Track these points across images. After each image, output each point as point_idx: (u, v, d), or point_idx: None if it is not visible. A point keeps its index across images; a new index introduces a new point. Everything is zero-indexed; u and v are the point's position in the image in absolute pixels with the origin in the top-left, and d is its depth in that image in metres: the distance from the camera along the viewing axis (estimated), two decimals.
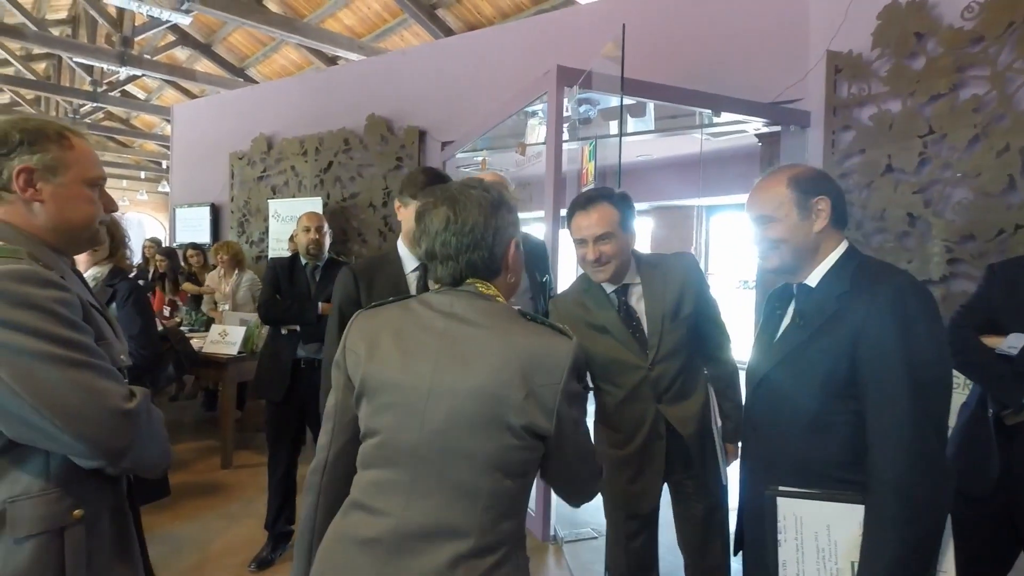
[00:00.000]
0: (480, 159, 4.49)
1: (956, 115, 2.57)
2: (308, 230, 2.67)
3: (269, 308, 2.60)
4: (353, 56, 7.95)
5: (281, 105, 5.59)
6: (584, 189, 1.82)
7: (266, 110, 5.67)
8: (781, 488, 1.13)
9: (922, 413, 1.03)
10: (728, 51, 3.55)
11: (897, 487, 1.01)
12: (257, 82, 10.00)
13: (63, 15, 9.62)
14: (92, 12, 7.92)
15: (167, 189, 17.37)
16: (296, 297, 2.59)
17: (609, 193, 1.63)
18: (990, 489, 1.50)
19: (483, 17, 7.56)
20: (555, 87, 2.82)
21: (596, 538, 2.98)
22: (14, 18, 8.57)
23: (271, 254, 5.16)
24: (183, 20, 7.07)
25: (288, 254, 3.19)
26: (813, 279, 1.20)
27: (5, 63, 10.31)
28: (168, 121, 12.77)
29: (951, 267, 2.57)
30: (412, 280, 1.68)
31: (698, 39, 3.66)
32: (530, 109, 3.75)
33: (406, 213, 1.64)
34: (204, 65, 9.95)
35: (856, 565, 1.07)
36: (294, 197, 5.21)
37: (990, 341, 1.54)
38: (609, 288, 1.67)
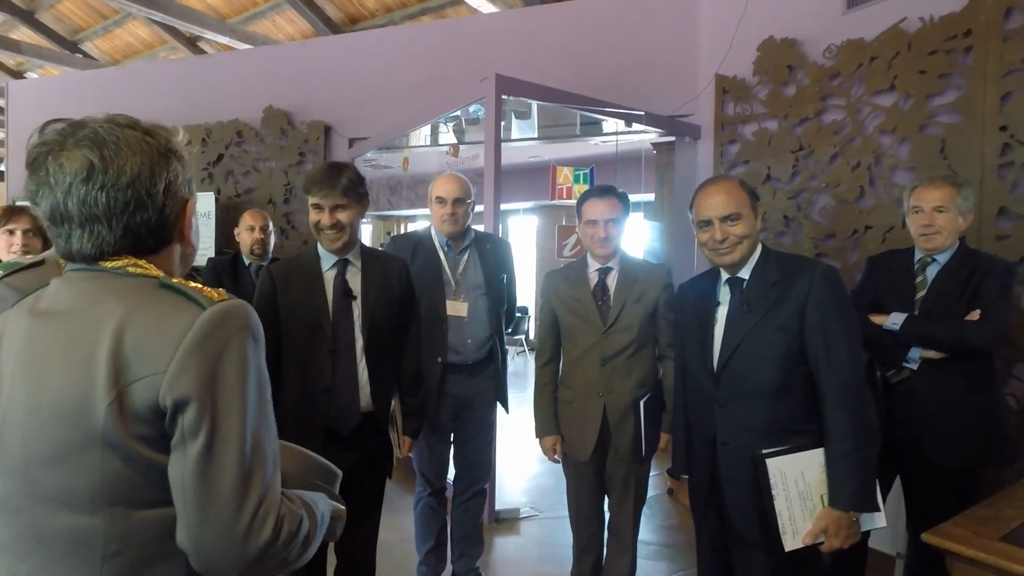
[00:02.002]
0: (403, 157, 4.49)
1: (820, 136, 3.16)
2: (252, 229, 2.57)
3: None
4: (221, 38, 7.37)
5: (155, 90, 5.06)
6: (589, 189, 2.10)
7: (136, 95, 5.10)
8: (765, 451, 1.39)
9: (857, 366, 1.38)
10: (629, 69, 3.95)
11: (851, 426, 1.34)
12: (94, 59, 8.83)
13: None
14: None
15: None
16: (241, 299, 2.48)
17: (619, 191, 2.00)
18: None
19: (365, 10, 7.41)
20: (493, 93, 2.97)
21: (536, 516, 3.21)
22: None
23: None
24: None
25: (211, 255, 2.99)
26: (746, 272, 1.49)
27: None
28: None
29: (818, 260, 3.16)
30: (329, 278, 1.73)
31: (601, 55, 4.02)
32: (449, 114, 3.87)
33: (311, 209, 1.71)
34: (23, 34, 8.56)
35: (824, 497, 1.37)
36: None
37: (876, 319, 1.97)
38: (594, 266, 1.99)
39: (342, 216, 1.67)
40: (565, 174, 3.70)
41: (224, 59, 5.16)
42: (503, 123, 4.70)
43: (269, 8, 7.54)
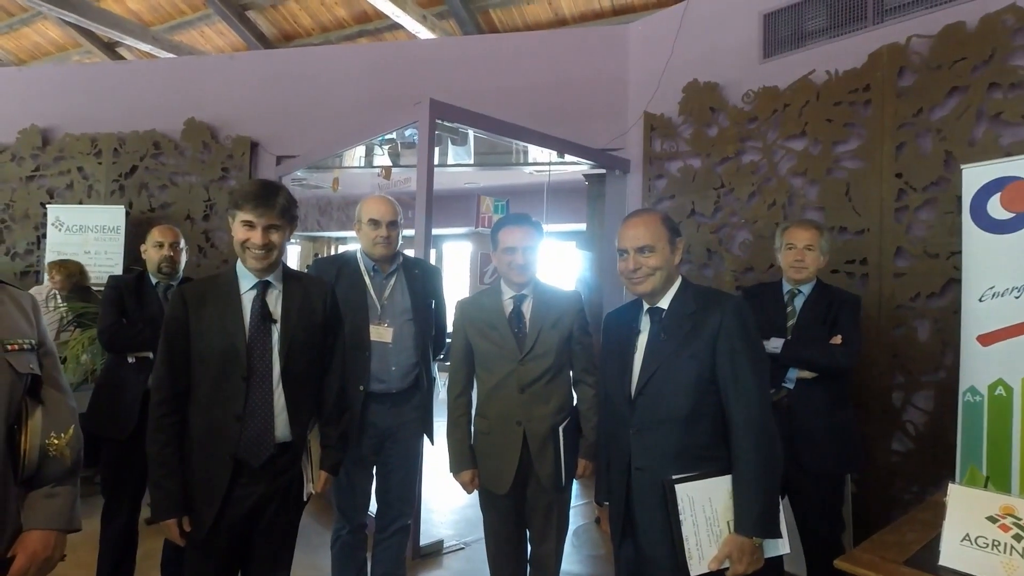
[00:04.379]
0: (334, 177, 4.36)
1: (740, 174, 3.34)
2: (161, 245, 2.39)
3: (115, 333, 2.25)
4: (143, 46, 7.01)
5: (63, 94, 4.72)
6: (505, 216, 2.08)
7: (40, 97, 4.74)
8: (675, 476, 1.42)
9: (764, 396, 1.43)
10: (563, 101, 4.06)
11: (756, 454, 1.38)
12: None
13: None
14: None
15: None
16: (147, 320, 2.29)
17: (533, 220, 2.01)
18: None
19: (300, 27, 7.28)
20: (427, 117, 2.96)
21: (462, 548, 3.11)
22: None
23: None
24: None
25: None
26: (665, 302, 1.54)
27: None
28: None
29: (737, 292, 3.31)
30: (247, 300, 1.64)
31: (536, 88, 4.11)
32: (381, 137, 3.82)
33: (233, 227, 1.63)
34: None
35: (731, 523, 1.40)
36: (82, 203, 4.43)
37: None
38: (509, 293, 2.00)
39: (274, 237, 1.58)
40: (487, 204, 3.72)
41: (143, 67, 4.89)
42: (438, 148, 4.71)
43: (197, 18, 7.26)
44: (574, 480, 2.02)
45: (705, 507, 1.40)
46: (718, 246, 3.41)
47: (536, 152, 4.85)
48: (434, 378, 2.34)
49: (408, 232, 2.76)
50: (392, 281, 2.23)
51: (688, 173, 3.55)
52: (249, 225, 1.57)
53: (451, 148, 5.16)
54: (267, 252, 1.59)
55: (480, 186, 6.93)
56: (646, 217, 1.53)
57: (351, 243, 8.74)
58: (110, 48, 7.89)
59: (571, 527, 3.24)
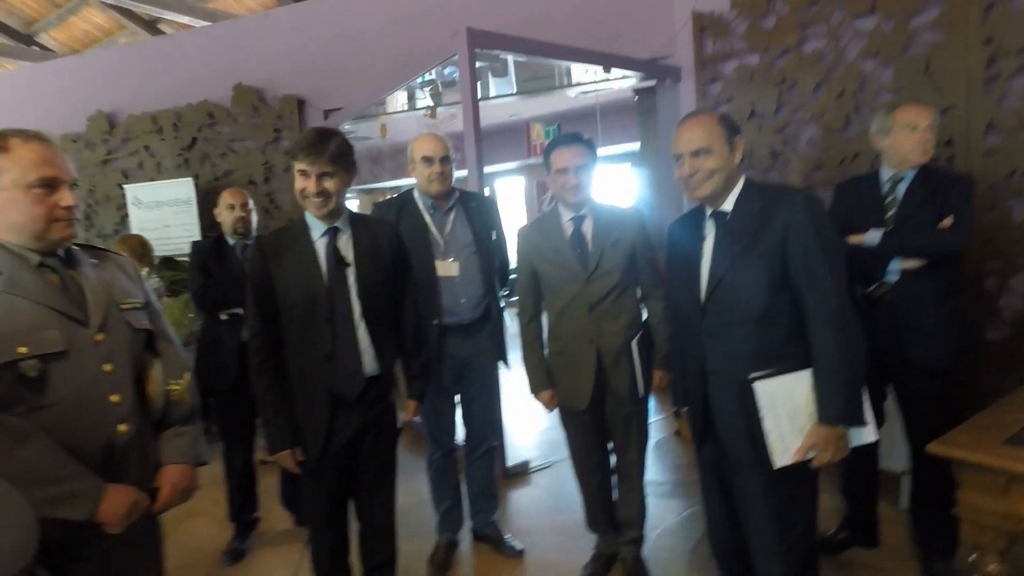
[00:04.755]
0: (380, 124, 4.39)
1: (803, 66, 3.10)
2: (232, 208, 2.52)
3: (205, 294, 2.43)
4: (181, 19, 7.11)
5: (119, 78, 4.90)
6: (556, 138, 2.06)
7: (100, 84, 4.94)
8: (752, 375, 1.42)
9: (839, 287, 1.39)
10: (605, 13, 3.84)
11: (836, 343, 1.36)
12: (52, 50, 8.51)
13: None
14: None
15: None
16: (231, 280, 2.45)
17: (584, 138, 1.99)
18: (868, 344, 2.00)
19: None
20: (465, 48, 2.89)
21: (547, 466, 3.27)
22: None
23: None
24: None
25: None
26: (728, 204, 1.50)
27: None
28: None
29: (808, 190, 3.15)
30: (320, 247, 1.70)
31: (575, 3, 3.90)
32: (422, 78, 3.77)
33: (296, 175, 1.66)
34: None
35: (813, 415, 1.40)
36: (154, 180, 4.68)
37: (853, 239, 2.02)
38: (568, 215, 2.00)
39: (328, 184, 1.63)
40: (538, 130, 3.64)
41: (186, 38, 4.98)
42: (480, 82, 4.62)
43: None
44: (650, 393, 2.06)
45: (786, 402, 1.40)
46: (783, 147, 3.23)
47: (580, 73, 4.67)
48: (502, 307, 2.40)
49: (460, 173, 2.78)
50: (451, 216, 2.27)
51: (745, 72, 3.33)
52: (304, 174, 1.62)
53: (492, 81, 5.05)
54: (324, 199, 1.64)
55: (526, 116, 6.78)
56: (700, 118, 1.48)
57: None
58: (151, 26, 8.04)
59: (651, 441, 3.35)
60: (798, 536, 1.45)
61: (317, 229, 1.70)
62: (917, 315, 1.93)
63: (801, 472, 1.41)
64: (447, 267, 2.21)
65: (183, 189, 4.47)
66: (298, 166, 1.62)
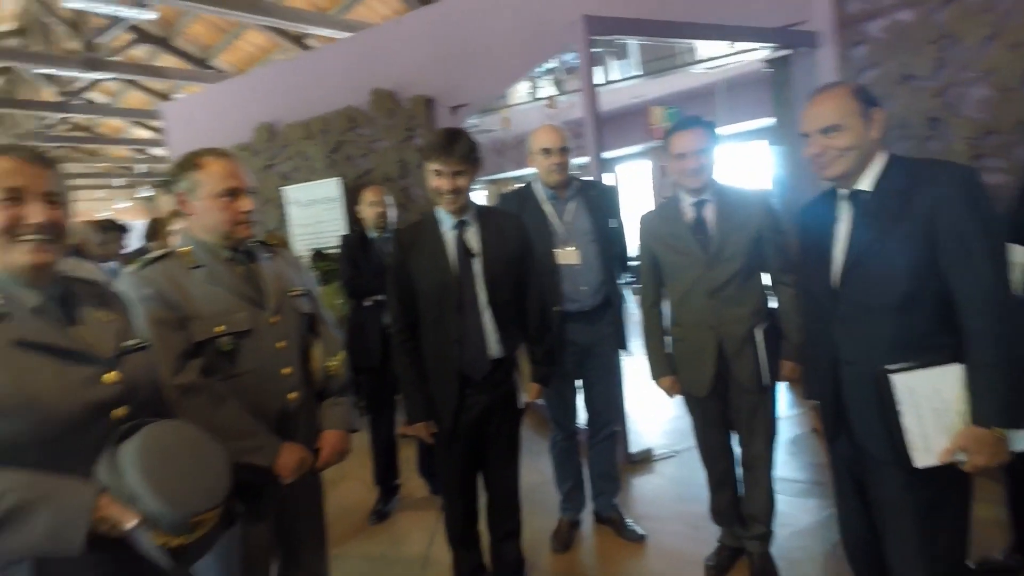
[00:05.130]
0: (503, 117, 4.55)
1: (967, 18, 2.73)
2: (373, 204, 2.78)
3: (354, 283, 2.73)
4: (324, 32, 7.81)
5: (277, 91, 5.53)
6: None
7: (261, 98, 5.61)
8: (890, 367, 1.31)
9: (1000, 272, 1.24)
10: None
11: (995, 336, 1.22)
12: (224, 71, 9.75)
13: (13, 25, 9.19)
14: (48, 19, 7.61)
15: (148, 193, 16.97)
16: (374, 270, 2.71)
17: (703, 120, 1.95)
18: None
19: None
20: (583, 37, 2.90)
21: (672, 456, 3.24)
22: None
23: (297, 240, 5.20)
24: (147, 16, 6.86)
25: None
26: (866, 183, 1.37)
27: None
28: (140, 123, 12.39)
29: (977, 162, 2.77)
30: (450, 238, 1.83)
31: None
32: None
33: (427, 175, 1.80)
34: (165, 60, 9.66)
35: (964, 414, 1.26)
36: (307, 181, 5.23)
37: None
38: (689, 200, 1.97)
39: (461, 181, 1.77)
40: (658, 114, 3.54)
41: (328, 50, 5.49)
42: (601, 66, 4.59)
43: None
44: (780, 384, 1.98)
45: (931, 398, 1.29)
46: (944, 111, 2.87)
47: (706, 48, 4.46)
48: (622, 294, 2.42)
49: (580, 160, 2.81)
50: (571, 205, 2.33)
51: (896, 30, 2.99)
52: (438, 173, 1.76)
53: (614, 64, 4.99)
54: (456, 196, 1.78)
55: (649, 98, 6.60)
56: (829, 92, 1.39)
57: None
58: (299, 41, 8.93)
59: (788, 436, 3.18)
60: (944, 547, 1.33)
61: (447, 222, 1.85)
62: None
63: (949, 476, 1.29)
64: (567, 255, 2.28)
65: (331, 188, 4.95)
66: (432, 166, 1.76)
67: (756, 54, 3.98)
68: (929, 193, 1.27)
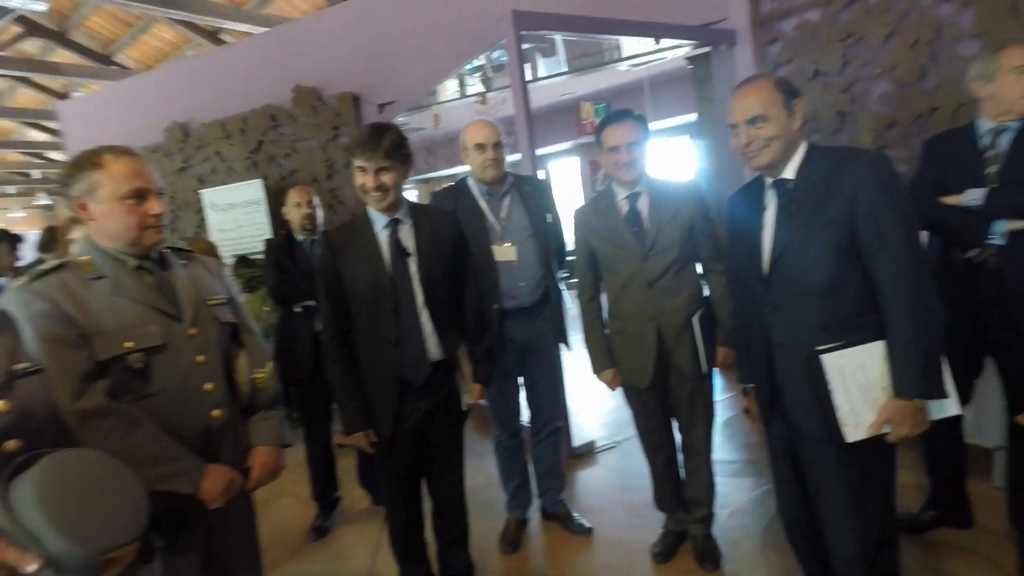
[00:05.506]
0: (433, 114, 4.47)
1: (869, 18, 2.91)
2: (299, 205, 2.64)
3: (281, 287, 2.58)
4: (240, 27, 7.43)
5: (188, 89, 5.19)
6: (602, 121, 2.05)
7: (171, 97, 5.25)
8: (820, 348, 1.36)
9: (914, 253, 1.31)
10: None
11: (911, 314, 1.29)
12: (129, 68, 9.10)
13: None
14: None
15: (46, 201, 15.57)
16: (302, 274, 2.58)
17: (635, 114, 1.97)
18: (964, 317, 1.87)
19: None
20: (512, 31, 2.88)
21: (613, 447, 3.28)
22: None
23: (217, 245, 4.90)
24: (38, 7, 6.31)
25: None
26: (790, 172, 1.43)
27: None
28: (33, 124, 11.37)
29: (879, 149, 2.97)
30: (383, 238, 1.77)
31: None
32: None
33: (356, 172, 1.72)
34: (61, 55, 8.89)
35: (888, 389, 1.33)
36: (226, 184, 4.95)
37: (950, 200, 1.87)
38: (622, 193, 1.99)
39: (386, 178, 1.69)
40: (587, 109, 3.59)
41: (245, 46, 5.21)
42: (528, 64, 4.59)
43: None
44: (714, 370, 2.03)
45: (857, 375, 1.35)
46: (850, 105, 3.05)
47: (631, 46, 4.56)
48: (560, 290, 2.41)
49: (513, 157, 2.78)
50: (507, 201, 2.30)
51: (806, 30, 3.15)
52: (362, 170, 1.69)
53: (541, 61, 5.01)
54: (383, 193, 1.71)
55: (577, 95, 6.69)
56: (753, 84, 1.43)
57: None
58: (213, 36, 8.45)
59: (719, 419, 3.28)
60: (874, 513, 1.40)
61: (379, 222, 1.77)
62: None
63: (876, 447, 1.35)
64: (504, 251, 2.25)
65: (253, 190, 4.71)
66: (356, 163, 1.69)
67: (678, 51, 4.10)
68: (847, 180, 1.33)
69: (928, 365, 1.30)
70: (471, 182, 2.31)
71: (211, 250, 3.69)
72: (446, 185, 2.47)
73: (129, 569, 0.91)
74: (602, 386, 2.14)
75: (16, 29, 8.23)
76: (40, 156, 12.97)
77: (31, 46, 8.81)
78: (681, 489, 2.17)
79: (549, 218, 2.39)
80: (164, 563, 1.26)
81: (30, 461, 0.86)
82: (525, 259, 2.26)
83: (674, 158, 7.87)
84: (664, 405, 2.08)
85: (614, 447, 3.28)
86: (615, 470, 3.02)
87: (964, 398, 1.97)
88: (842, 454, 1.38)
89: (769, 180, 1.48)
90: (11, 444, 0.88)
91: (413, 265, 1.76)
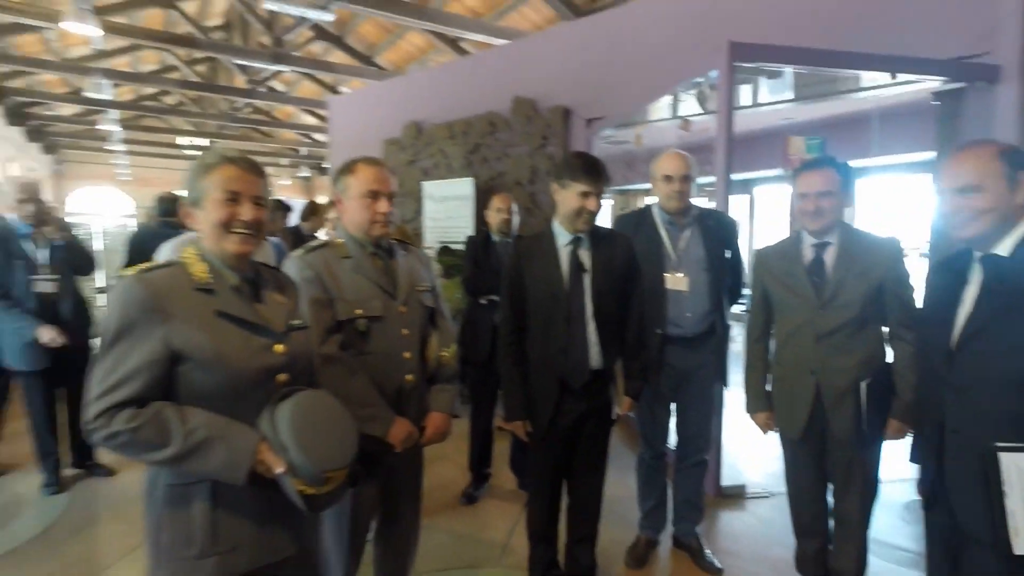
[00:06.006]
0: (636, 134, 4.61)
1: None
2: (500, 210, 2.98)
3: (473, 280, 2.95)
4: (478, 37, 8.24)
5: (428, 93, 5.98)
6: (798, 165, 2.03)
7: (415, 98, 6.10)
8: (1000, 444, 1.23)
9: None
10: (900, 6, 3.40)
11: None
12: (385, 68, 10.62)
13: (219, 21, 10.70)
14: (248, 17, 8.78)
15: (306, 174, 18.87)
16: (492, 271, 2.91)
17: (836, 162, 1.90)
18: None
19: None
20: (726, 62, 2.88)
21: (766, 497, 3.13)
22: (182, 27, 9.70)
23: (427, 233, 5.61)
24: (326, 18, 7.68)
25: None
26: (1005, 248, 1.30)
27: (172, 68, 11.70)
28: (308, 111, 13.84)
29: None
30: (565, 253, 1.94)
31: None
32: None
33: (562, 194, 1.93)
34: (336, 56, 10.72)
35: None
36: (444, 179, 5.61)
37: None
38: (810, 241, 1.94)
39: (601, 203, 1.92)
40: (797, 144, 3.40)
41: (478, 58, 5.84)
42: (750, 86, 4.46)
43: (516, 1, 8.20)
44: (884, 441, 1.89)
45: None
46: None
47: (869, 76, 4.18)
48: (728, 326, 2.40)
49: (707, 179, 2.80)
50: (687, 232, 2.35)
51: None
52: (586, 195, 1.89)
53: (765, 83, 4.81)
54: (595, 217, 1.93)
55: (799, 120, 6.26)
56: (972, 151, 1.34)
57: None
58: (454, 44, 9.49)
59: (906, 500, 2.95)
60: None
61: (563, 238, 1.98)
62: None
63: None
64: (676, 280, 2.31)
65: (465, 187, 5.28)
66: (580, 187, 1.89)
67: (923, 84, 3.67)
68: None
69: None
70: (655, 210, 2.41)
71: (408, 236, 4.29)
72: (633, 209, 2.60)
73: (341, 487, 1.22)
74: (767, 433, 2.11)
75: (308, 34, 10.14)
76: (308, 136, 15.76)
77: (316, 47, 10.78)
78: (827, 557, 2.05)
79: (728, 254, 2.39)
80: (352, 490, 1.61)
81: (290, 393, 1.20)
82: (696, 291, 2.30)
83: (910, 196, 6.95)
84: (818, 464, 1.99)
85: (768, 497, 3.12)
86: (763, 520, 2.89)
87: None
88: (1008, 566, 1.24)
89: (978, 253, 1.37)
90: (282, 377, 1.23)
91: (587, 281, 1.94)
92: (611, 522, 2.27)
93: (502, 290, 2.07)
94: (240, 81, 11.44)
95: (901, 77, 3.45)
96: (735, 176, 3.04)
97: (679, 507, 2.54)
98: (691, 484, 2.49)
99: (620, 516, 2.74)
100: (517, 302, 2.01)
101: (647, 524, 2.54)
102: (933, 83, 3.55)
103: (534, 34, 6.11)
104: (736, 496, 3.12)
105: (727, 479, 3.16)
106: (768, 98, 4.75)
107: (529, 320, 2.00)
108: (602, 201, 1.91)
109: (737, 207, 9.20)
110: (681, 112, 4.60)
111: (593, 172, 1.88)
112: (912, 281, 1.87)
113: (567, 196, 1.92)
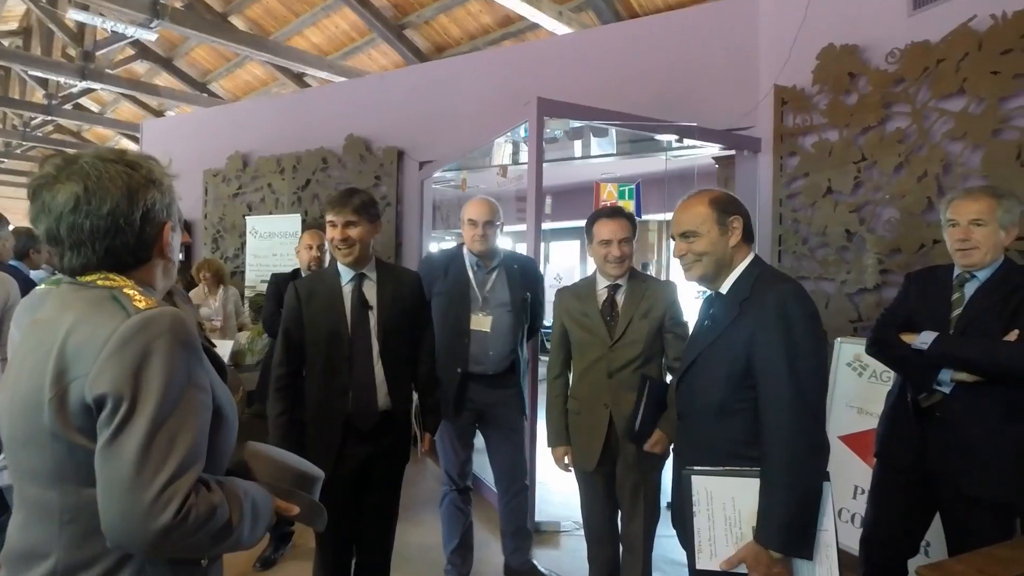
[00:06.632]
0: (462, 178, 4.72)
1: (884, 145, 2.97)
2: (310, 247, 2.84)
3: (273, 321, 2.75)
4: (321, 74, 8.07)
5: (256, 124, 5.68)
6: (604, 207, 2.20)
7: (241, 128, 5.75)
8: (693, 467, 1.36)
9: (800, 399, 1.25)
10: (688, 82, 3.92)
11: (782, 460, 1.24)
12: (220, 97, 9.97)
13: (13, 26, 9.38)
14: (51, 26, 7.79)
15: None
16: None
17: (626, 212, 2.10)
18: (910, 459, 1.80)
19: (451, 38, 7.81)
20: (535, 116, 3.09)
21: (578, 531, 3.21)
22: None
23: (248, 270, 5.22)
24: (148, 36, 7.07)
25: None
26: (725, 287, 1.44)
27: None
28: (127, 135, 12.49)
29: (883, 276, 2.96)
30: (348, 291, 1.90)
31: (661, 70, 4.01)
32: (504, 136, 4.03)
33: (328, 228, 1.92)
34: (164, 79, 9.86)
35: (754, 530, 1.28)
36: (271, 214, 5.31)
37: (907, 338, 1.82)
38: (604, 283, 2.08)
39: (352, 232, 1.85)
40: (609, 190, 3.72)
41: (316, 92, 5.70)
42: (580, 141, 4.81)
43: (365, 43, 8.18)
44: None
45: (726, 505, 1.31)
46: (859, 226, 3.07)
47: (664, 139, 4.73)
48: (525, 362, 2.49)
49: (520, 228, 2.92)
50: (493, 276, 2.42)
51: (824, 148, 3.23)
52: (332, 224, 1.86)
53: (594, 141, 5.23)
54: (348, 247, 1.86)
55: (616, 176, 6.89)
56: (689, 201, 1.49)
57: None
58: (298, 78, 9.21)
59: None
60: None
61: (346, 275, 1.92)
62: (971, 436, 1.68)
63: None
64: (480, 321, 2.35)
65: (291, 223, 5.03)
66: (328, 217, 1.86)
67: (705, 150, 4.23)
68: (757, 309, 1.34)
69: (795, 517, 1.24)
70: (466, 251, 2.45)
71: (220, 271, 3.97)
72: (443, 249, 2.63)
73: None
74: (562, 469, 2.17)
75: (130, 51, 9.23)
76: None
77: (140, 67, 9.84)
78: None
79: (528, 297, 2.48)
80: None
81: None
82: (499, 331, 2.36)
83: None
84: (609, 492, 2.08)
85: (578, 531, 3.21)
86: (575, 555, 2.95)
87: (911, 549, 1.89)
88: None
89: (710, 292, 1.53)
90: None
91: (373, 318, 1.88)
92: (413, 571, 2.17)
93: (280, 329, 1.94)
94: (38, 96, 10.04)
95: (689, 142, 3.94)
96: (566, 224, 3.23)
97: (510, 539, 2.52)
98: (516, 513, 2.50)
99: (423, 562, 2.65)
100: (294, 343, 1.90)
101: (451, 567, 2.47)
102: (713, 149, 4.10)
103: (372, 75, 6.12)
104: (551, 532, 3.17)
105: (543, 515, 3.21)
106: (598, 151, 5.18)
107: (308, 363, 1.89)
108: (354, 232, 1.86)
109: (567, 252, 9.86)
110: (502, 160, 4.83)
111: (337, 201, 1.86)
112: (685, 319, 2.07)
113: (327, 230, 1.90)
